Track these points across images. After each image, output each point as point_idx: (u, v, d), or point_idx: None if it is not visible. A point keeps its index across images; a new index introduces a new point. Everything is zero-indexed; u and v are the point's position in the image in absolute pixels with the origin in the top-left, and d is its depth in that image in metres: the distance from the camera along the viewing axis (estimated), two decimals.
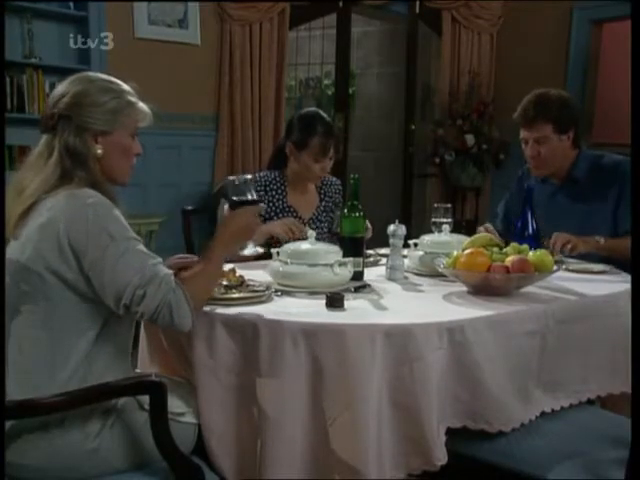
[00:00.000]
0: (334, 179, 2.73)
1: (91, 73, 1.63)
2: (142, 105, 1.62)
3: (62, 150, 1.51)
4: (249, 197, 1.67)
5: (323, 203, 2.65)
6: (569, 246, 2.26)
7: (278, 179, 2.55)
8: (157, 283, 1.42)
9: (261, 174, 2.58)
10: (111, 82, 1.59)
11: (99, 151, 1.54)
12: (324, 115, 2.54)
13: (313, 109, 2.67)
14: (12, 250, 1.49)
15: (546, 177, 2.62)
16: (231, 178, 1.70)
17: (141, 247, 1.47)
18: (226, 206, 1.70)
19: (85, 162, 1.51)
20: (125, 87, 1.60)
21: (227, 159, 4.66)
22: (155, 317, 1.43)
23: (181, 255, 1.87)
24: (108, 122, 1.54)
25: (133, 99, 1.59)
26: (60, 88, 1.56)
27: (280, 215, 2.52)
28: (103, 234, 1.42)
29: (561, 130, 2.48)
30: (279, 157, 2.60)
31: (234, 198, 1.66)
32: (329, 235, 2.58)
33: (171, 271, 1.49)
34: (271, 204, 2.52)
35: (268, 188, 2.52)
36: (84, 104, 1.52)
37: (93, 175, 1.52)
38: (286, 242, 2.23)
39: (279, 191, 2.53)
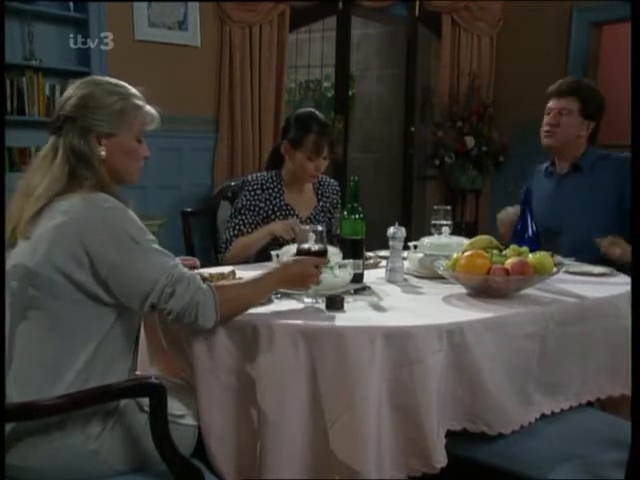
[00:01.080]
0: (331, 180, 2.74)
1: (98, 77, 1.65)
2: (149, 108, 1.62)
3: (67, 151, 1.52)
4: (316, 248, 1.69)
5: (321, 203, 2.66)
6: (617, 251, 2.35)
7: (274, 178, 2.57)
8: (186, 282, 1.47)
9: (257, 174, 2.60)
10: (118, 85, 1.60)
11: (102, 153, 1.54)
12: (320, 115, 2.55)
13: (309, 109, 2.68)
14: (21, 254, 1.48)
15: (552, 167, 2.75)
16: (305, 227, 1.76)
17: (160, 247, 1.51)
18: (293, 249, 1.76)
19: (90, 163, 1.52)
20: (132, 90, 1.61)
21: (227, 161, 4.66)
22: (182, 315, 1.47)
23: (183, 257, 1.87)
24: (112, 124, 1.55)
25: (140, 102, 1.60)
26: (68, 91, 1.57)
27: (277, 214, 2.53)
28: (124, 237, 1.44)
29: (585, 114, 2.63)
30: (276, 158, 2.61)
31: (304, 246, 1.70)
32: (327, 236, 2.59)
33: (191, 272, 1.53)
34: (268, 202, 2.53)
35: (265, 187, 2.54)
36: (89, 106, 1.53)
37: (99, 176, 1.52)
38: (289, 241, 2.28)
39: (275, 190, 2.55)
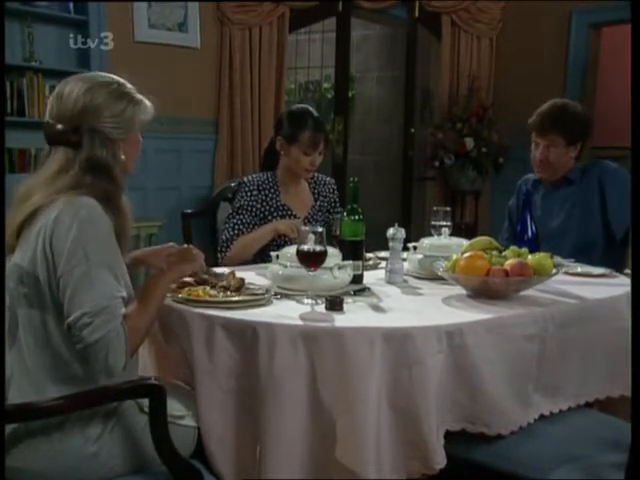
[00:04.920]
0: (328, 179, 2.75)
1: (98, 75, 1.60)
2: (146, 100, 1.62)
3: (85, 163, 1.49)
4: (316, 248, 1.69)
5: (318, 203, 2.66)
6: None
7: (270, 179, 2.58)
8: (106, 318, 1.39)
9: (253, 176, 2.60)
10: (119, 84, 1.58)
11: (122, 157, 1.55)
12: (313, 111, 2.60)
13: (302, 105, 2.73)
14: (16, 254, 1.49)
15: (539, 181, 2.79)
16: (305, 228, 1.75)
17: (111, 277, 1.44)
18: (292, 250, 1.76)
19: (110, 173, 1.51)
20: (130, 86, 1.60)
21: (227, 162, 4.66)
22: (90, 350, 1.39)
23: (172, 244, 1.88)
24: (127, 128, 1.55)
25: (140, 97, 1.60)
26: (72, 100, 1.51)
27: (274, 214, 2.54)
28: (79, 251, 1.40)
29: (570, 142, 2.65)
30: (271, 156, 2.62)
31: (304, 247, 1.69)
32: (327, 236, 2.59)
33: (123, 311, 1.45)
34: (264, 203, 2.54)
35: (261, 188, 2.54)
36: (106, 115, 1.51)
37: (112, 185, 1.51)
38: (288, 241, 2.32)
39: (272, 190, 2.55)
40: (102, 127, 1.51)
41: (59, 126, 1.50)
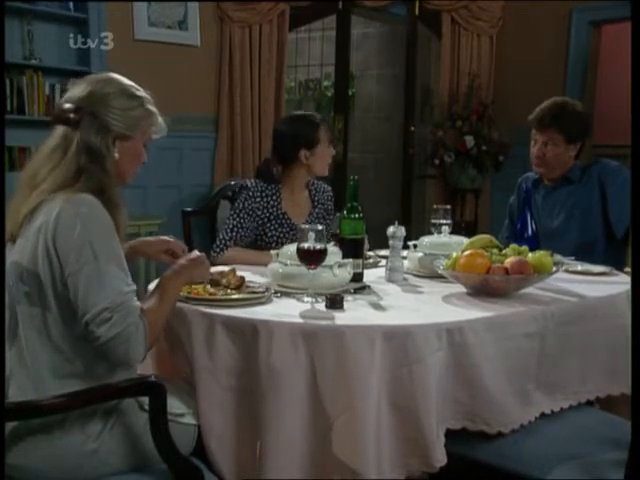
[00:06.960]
0: (325, 186, 2.74)
1: (117, 76, 1.62)
2: (159, 117, 1.63)
3: (81, 146, 1.49)
4: (316, 247, 1.70)
5: (316, 210, 2.66)
6: None
7: (273, 188, 2.57)
8: (125, 313, 1.41)
9: (257, 181, 2.59)
10: (136, 88, 1.60)
11: (116, 154, 1.54)
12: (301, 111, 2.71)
13: (295, 113, 2.80)
14: (16, 251, 1.49)
15: (539, 180, 2.78)
16: (305, 226, 1.74)
17: (120, 271, 1.45)
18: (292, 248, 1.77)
19: (100, 162, 1.51)
20: (148, 96, 1.61)
21: (227, 160, 4.67)
22: (110, 344, 1.40)
23: (161, 237, 1.88)
24: (130, 127, 1.55)
25: (155, 110, 1.61)
26: (83, 86, 1.54)
27: (274, 222, 2.53)
28: (86, 249, 1.41)
29: (570, 141, 2.64)
30: (267, 173, 2.61)
31: (304, 245, 1.70)
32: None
33: (139, 304, 1.46)
34: (265, 210, 2.53)
35: (264, 194, 2.54)
36: (112, 105, 1.52)
37: (107, 177, 1.51)
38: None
39: (274, 198, 2.55)
40: (104, 115, 1.51)
41: (64, 104, 1.52)
